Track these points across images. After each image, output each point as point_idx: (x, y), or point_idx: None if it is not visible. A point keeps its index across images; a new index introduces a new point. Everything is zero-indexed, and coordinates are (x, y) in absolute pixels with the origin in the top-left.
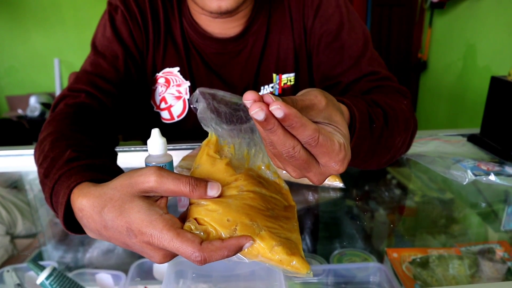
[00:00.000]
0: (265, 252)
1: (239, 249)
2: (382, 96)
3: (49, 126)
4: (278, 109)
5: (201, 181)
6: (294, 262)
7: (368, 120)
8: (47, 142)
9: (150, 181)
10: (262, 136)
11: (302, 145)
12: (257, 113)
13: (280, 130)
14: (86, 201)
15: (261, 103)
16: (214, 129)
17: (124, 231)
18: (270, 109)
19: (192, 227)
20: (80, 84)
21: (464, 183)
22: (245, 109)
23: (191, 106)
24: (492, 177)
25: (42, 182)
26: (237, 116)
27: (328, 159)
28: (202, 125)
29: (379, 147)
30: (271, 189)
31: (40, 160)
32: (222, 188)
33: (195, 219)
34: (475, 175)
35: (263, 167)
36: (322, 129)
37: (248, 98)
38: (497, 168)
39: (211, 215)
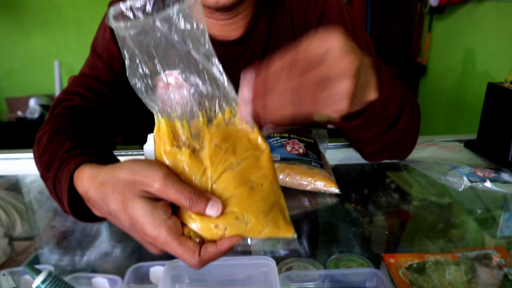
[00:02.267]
0: (255, 237)
1: (232, 249)
2: None
3: (46, 125)
4: None
5: (202, 198)
6: (280, 233)
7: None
8: (45, 137)
9: (153, 188)
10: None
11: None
12: None
13: None
14: (87, 183)
15: None
16: (159, 109)
17: (127, 224)
18: None
19: (191, 233)
20: (74, 87)
21: (460, 190)
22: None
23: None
24: (488, 184)
25: (43, 176)
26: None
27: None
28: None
29: (395, 115)
30: (240, 148)
31: (39, 154)
32: (195, 185)
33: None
34: (471, 182)
35: (224, 117)
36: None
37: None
38: (493, 175)
39: (196, 224)
